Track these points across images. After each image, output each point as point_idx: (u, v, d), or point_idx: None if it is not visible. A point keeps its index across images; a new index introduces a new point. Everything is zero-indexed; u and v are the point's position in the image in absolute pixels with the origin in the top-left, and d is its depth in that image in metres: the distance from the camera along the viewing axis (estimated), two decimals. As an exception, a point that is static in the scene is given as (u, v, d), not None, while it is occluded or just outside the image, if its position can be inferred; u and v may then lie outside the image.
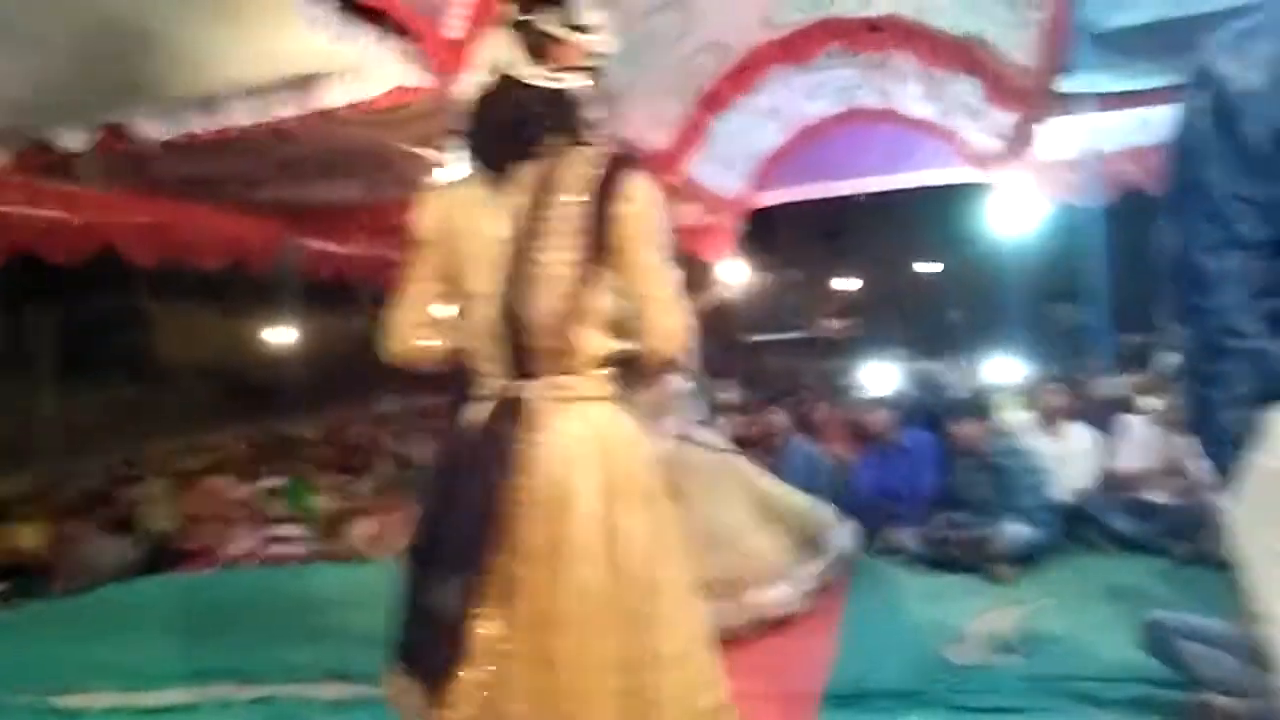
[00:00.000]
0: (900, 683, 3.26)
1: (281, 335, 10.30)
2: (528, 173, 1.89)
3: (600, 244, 1.84)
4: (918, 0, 7.27)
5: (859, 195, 11.70)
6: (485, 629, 1.79)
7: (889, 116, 9.95)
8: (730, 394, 7.23)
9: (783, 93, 9.12)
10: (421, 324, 2.00)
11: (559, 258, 1.84)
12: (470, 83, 1.92)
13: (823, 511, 4.49)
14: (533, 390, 1.87)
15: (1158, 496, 4.80)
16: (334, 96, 5.18)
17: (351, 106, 5.42)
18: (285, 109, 5.24)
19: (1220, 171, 1.41)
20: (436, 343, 2.00)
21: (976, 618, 3.87)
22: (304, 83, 5.18)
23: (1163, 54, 4.72)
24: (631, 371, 1.97)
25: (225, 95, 5.21)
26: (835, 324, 23.75)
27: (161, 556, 6.24)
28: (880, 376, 9.03)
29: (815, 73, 8.79)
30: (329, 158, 7.17)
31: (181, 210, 7.37)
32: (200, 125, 5.26)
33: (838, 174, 11.14)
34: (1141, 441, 5.10)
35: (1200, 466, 1.52)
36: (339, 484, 7.37)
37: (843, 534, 4.46)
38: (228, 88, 5.18)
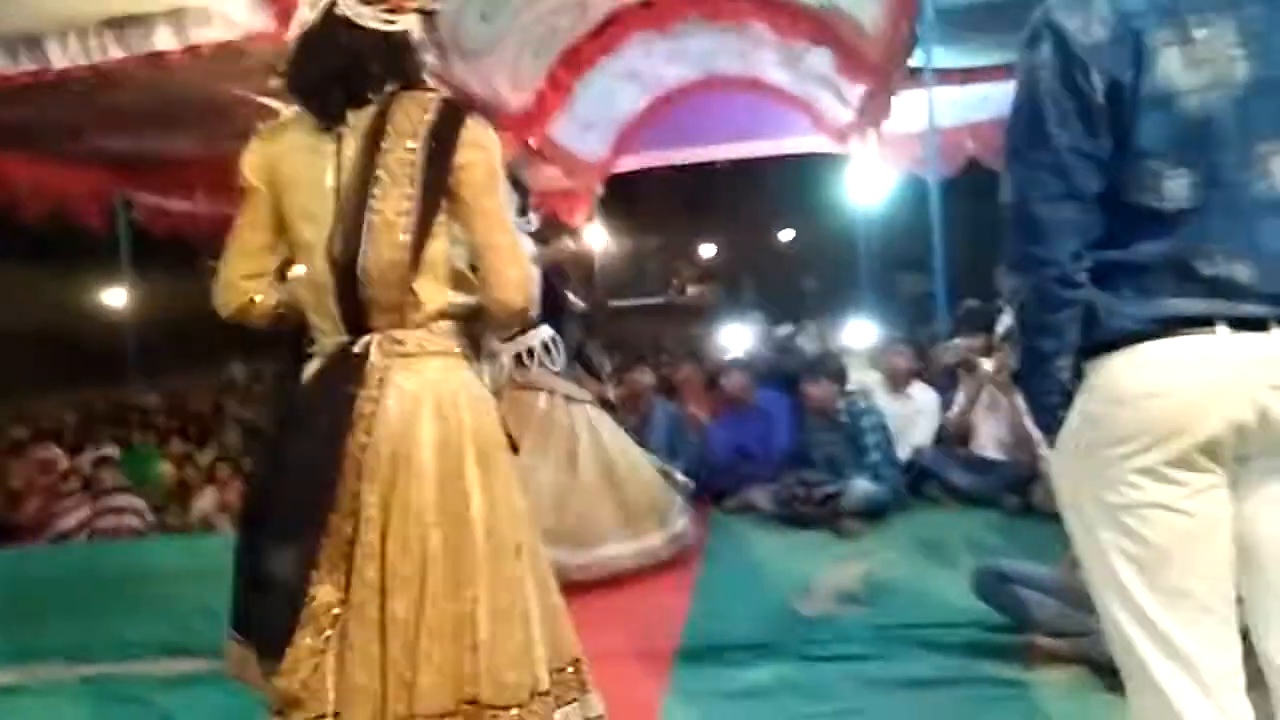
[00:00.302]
0: (752, 636, 3.33)
1: (115, 297, 9.68)
2: (358, 118, 1.81)
3: (437, 190, 1.78)
4: (776, -31, 7.35)
5: (719, 163, 11.84)
6: (321, 594, 1.73)
7: (748, 85, 10.10)
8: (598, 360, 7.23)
9: (643, 57, 9.12)
10: (252, 275, 1.91)
11: (393, 206, 1.76)
12: (297, 21, 1.84)
13: (666, 494, 4.41)
14: (369, 345, 1.80)
15: (992, 453, 5.08)
16: (164, 39, 4.84)
17: (185, 51, 5.10)
18: (109, 51, 4.86)
19: (1062, 124, 1.45)
20: (269, 296, 1.92)
21: (825, 571, 4.00)
22: (130, 23, 4.81)
23: (1003, 31, 4.91)
24: (480, 323, 1.93)
25: (41, 33, 4.79)
26: (694, 289, 24.14)
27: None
28: (737, 340, 9.20)
29: (675, 39, 8.81)
30: (160, 106, 6.73)
31: (-3, 159, 6.81)
32: (12, 66, 4.81)
33: (698, 141, 11.25)
34: (985, 402, 5.35)
35: (1029, 422, 1.60)
36: (181, 453, 7.03)
37: (683, 519, 4.41)
38: (43, 25, 4.77)
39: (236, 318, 1.93)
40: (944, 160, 8.28)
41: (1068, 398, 1.55)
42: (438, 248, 1.82)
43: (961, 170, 8.92)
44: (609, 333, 11.52)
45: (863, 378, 5.71)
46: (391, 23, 1.81)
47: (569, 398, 4.28)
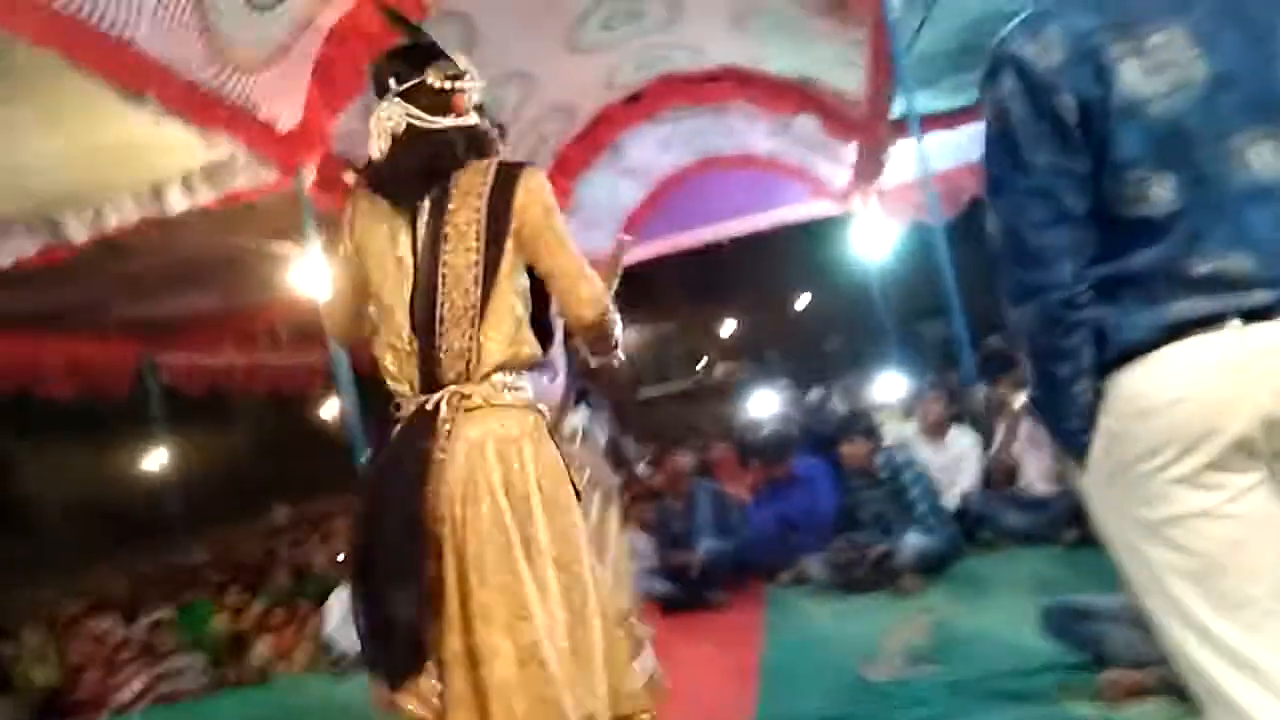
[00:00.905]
0: (825, 711, 3.24)
1: (154, 459, 9.83)
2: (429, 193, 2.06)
3: (501, 242, 1.99)
4: (749, 49, 7.56)
5: (726, 241, 11.97)
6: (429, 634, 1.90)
7: (743, 161, 10.30)
8: (628, 449, 7.22)
9: (637, 149, 9.34)
10: (346, 316, 2.25)
11: (462, 260, 1.98)
12: (375, 149, 2.08)
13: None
14: (439, 402, 1.97)
15: (1042, 488, 4.97)
16: (172, 201, 5.02)
17: (193, 211, 5.29)
18: (123, 219, 5.04)
19: (1041, 149, 1.45)
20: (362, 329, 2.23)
21: (889, 633, 3.89)
22: (138, 189, 5.00)
23: (974, 70, 5.00)
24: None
25: (58, 210, 4.97)
26: (721, 369, 24.19)
27: (49, 713, 5.82)
28: (768, 411, 9.17)
29: (665, 125, 9.04)
30: (176, 269, 6.94)
31: (24, 342, 7.01)
32: (30, 247, 4.99)
33: (702, 222, 11.40)
34: (1024, 437, 5.27)
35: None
36: (235, 605, 7.03)
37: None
38: (60, 202, 4.95)
39: (342, 342, 2.46)
40: (946, 204, 8.34)
41: (1091, 421, 1.52)
42: (503, 300, 2.00)
43: (965, 211, 8.96)
44: (642, 424, 11.52)
45: (899, 430, 5.64)
46: (467, 120, 2.09)
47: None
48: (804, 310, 22.45)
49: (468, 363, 1.97)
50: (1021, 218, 1.49)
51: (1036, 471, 5.05)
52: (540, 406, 2.10)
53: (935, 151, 6.93)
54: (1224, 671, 1.39)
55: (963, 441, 5.48)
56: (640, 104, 8.35)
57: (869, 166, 8.25)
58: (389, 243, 2.05)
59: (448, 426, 1.94)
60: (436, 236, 1.99)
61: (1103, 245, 1.48)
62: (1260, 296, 1.38)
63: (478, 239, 1.97)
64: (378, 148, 2.07)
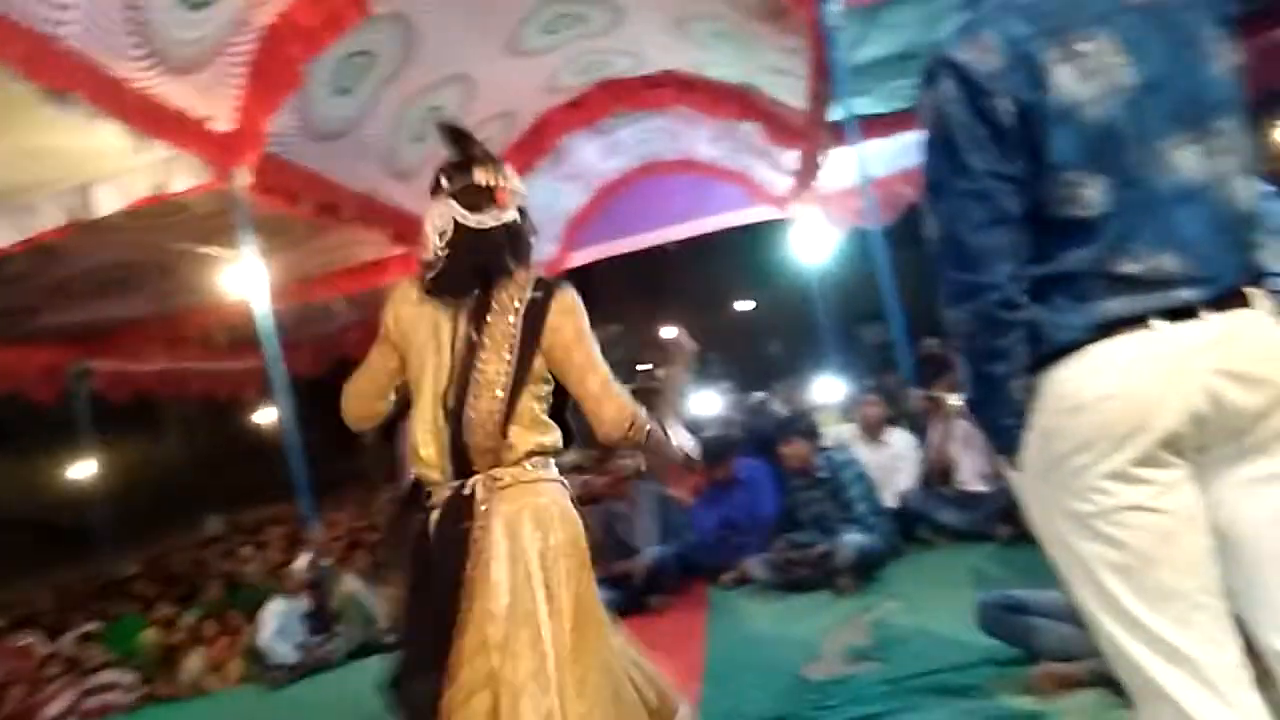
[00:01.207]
0: (766, 710, 3.26)
1: (82, 469, 9.53)
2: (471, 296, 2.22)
3: (530, 357, 2.15)
4: (690, 54, 7.59)
5: (668, 245, 12.00)
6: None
7: (684, 166, 10.34)
8: (572, 455, 7.19)
9: (579, 154, 9.33)
10: (369, 395, 2.37)
11: (494, 368, 2.14)
12: (430, 248, 2.20)
13: None
14: (474, 485, 2.13)
15: (977, 486, 5.07)
16: (102, 203, 4.88)
17: (123, 213, 5.15)
18: (50, 222, 4.87)
19: (977, 152, 1.48)
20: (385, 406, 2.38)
21: (829, 632, 3.93)
22: (67, 191, 4.85)
23: (911, 76, 5.08)
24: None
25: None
26: (661, 372, 24.16)
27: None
28: (709, 414, 9.20)
29: (607, 131, 9.04)
30: (106, 273, 6.75)
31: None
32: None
33: (644, 227, 11.42)
34: (960, 436, 5.36)
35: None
36: (166, 617, 6.85)
37: None
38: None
39: (353, 422, 2.40)
40: (884, 209, 8.45)
41: (1024, 419, 1.55)
42: (526, 402, 2.16)
43: (903, 216, 9.09)
44: (583, 428, 11.45)
45: (838, 432, 5.71)
46: (510, 216, 2.20)
47: None
48: (745, 314, 22.59)
49: (496, 456, 2.14)
50: (960, 220, 1.51)
51: (971, 470, 5.14)
52: (563, 479, 2.27)
53: (874, 158, 7.01)
54: (1155, 663, 1.42)
55: (900, 442, 5.56)
56: (581, 109, 8.33)
57: (807, 171, 8.33)
58: (431, 337, 2.22)
59: (484, 506, 2.12)
60: (472, 344, 2.16)
61: (1037, 247, 1.51)
62: (1187, 294, 1.43)
63: (510, 353, 2.14)
64: (433, 248, 2.21)
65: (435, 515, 2.18)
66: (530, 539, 2.10)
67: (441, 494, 2.18)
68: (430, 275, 2.21)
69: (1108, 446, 1.42)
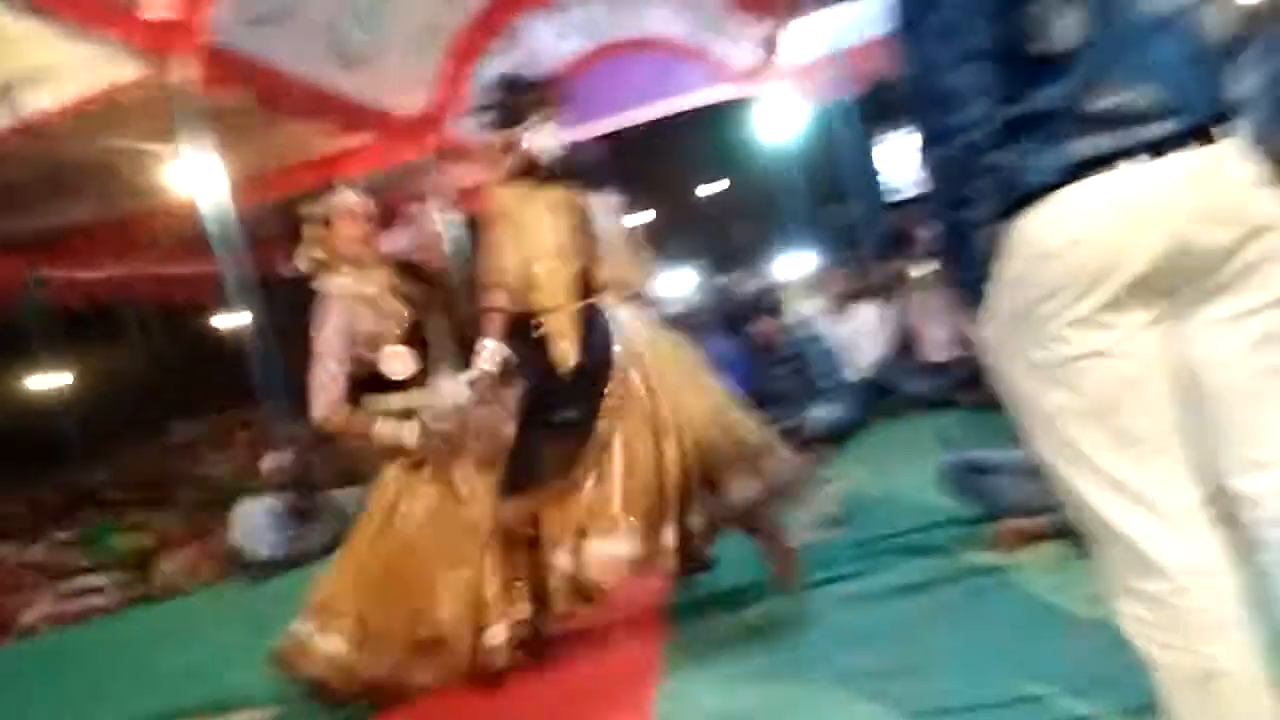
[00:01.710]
0: (739, 579, 3.32)
1: (41, 381, 9.40)
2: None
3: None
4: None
5: (630, 129, 11.77)
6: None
7: (643, 46, 10.03)
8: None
9: (533, 37, 9.03)
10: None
11: None
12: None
13: None
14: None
15: (941, 355, 5.11)
16: (33, 103, 4.65)
17: (61, 113, 4.93)
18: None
19: None
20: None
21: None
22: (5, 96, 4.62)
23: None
24: None
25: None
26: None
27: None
28: (678, 295, 9.19)
29: (562, 12, 8.74)
30: (47, 177, 6.50)
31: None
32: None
33: (604, 111, 11.15)
34: (922, 308, 5.38)
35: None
36: (141, 521, 6.87)
37: None
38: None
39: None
40: (849, 83, 8.29)
41: (991, 269, 1.50)
42: None
43: (870, 90, 8.92)
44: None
45: (806, 307, 5.71)
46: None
47: None
48: (711, 197, 22.37)
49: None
50: (931, 58, 1.46)
51: (934, 341, 5.18)
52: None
53: (840, 29, 6.83)
54: (1114, 505, 1.43)
55: (866, 315, 5.58)
56: (533, -13, 8.02)
57: (769, 44, 8.12)
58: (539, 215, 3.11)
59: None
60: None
61: (1008, 87, 1.45)
62: (1159, 129, 1.38)
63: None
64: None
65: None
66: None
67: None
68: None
69: (1075, 292, 1.40)
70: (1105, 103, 1.39)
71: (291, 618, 3.05)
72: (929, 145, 1.51)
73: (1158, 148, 1.38)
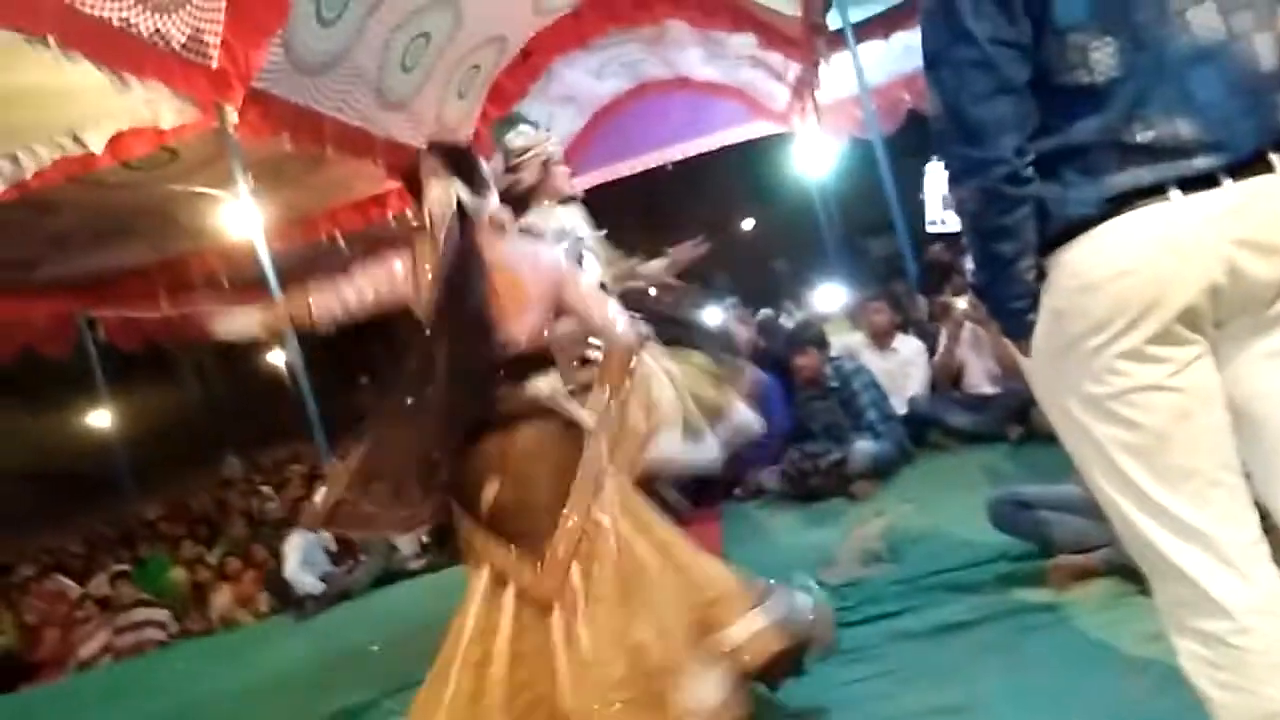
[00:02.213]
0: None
1: (100, 417, 9.63)
2: None
3: None
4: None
5: (668, 166, 11.87)
6: None
7: (680, 84, 10.15)
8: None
9: (572, 77, 9.17)
10: None
11: None
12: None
13: None
14: None
15: (986, 389, 5.07)
16: (90, 145, 4.81)
17: (118, 162, 5.10)
18: (44, 167, 4.83)
19: (979, 17, 1.41)
20: None
21: (844, 538, 3.97)
22: (57, 137, 4.80)
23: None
24: None
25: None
26: (670, 295, 24.12)
27: (10, 675, 5.76)
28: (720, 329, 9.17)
29: (600, 52, 8.86)
30: (105, 222, 6.72)
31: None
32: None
33: (643, 149, 11.29)
34: (968, 340, 5.34)
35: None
36: (192, 557, 6.99)
37: None
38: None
39: None
40: (884, 117, 8.33)
41: (1035, 300, 1.50)
42: None
43: (903, 124, 8.95)
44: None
45: (847, 341, 5.70)
46: None
47: None
48: (751, 231, 22.40)
49: None
50: (962, 91, 1.44)
51: (980, 373, 5.14)
52: None
53: (871, 65, 6.87)
54: (1172, 542, 1.41)
55: (909, 348, 5.55)
56: (571, 30, 8.14)
57: (806, 82, 8.18)
58: None
59: None
60: None
61: (1044, 118, 1.45)
62: (1203, 162, 1.37)
63: None
64: None
65: None
66: None
67: None
68: None
69: (1123, 325, 1.38)
70: (1146, 135, 1.38)
71: (338, 651, 3.08)
72: (959, 178, 1.50)
73: (1201, 181, 1.37)
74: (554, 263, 2.66)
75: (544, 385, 2.48)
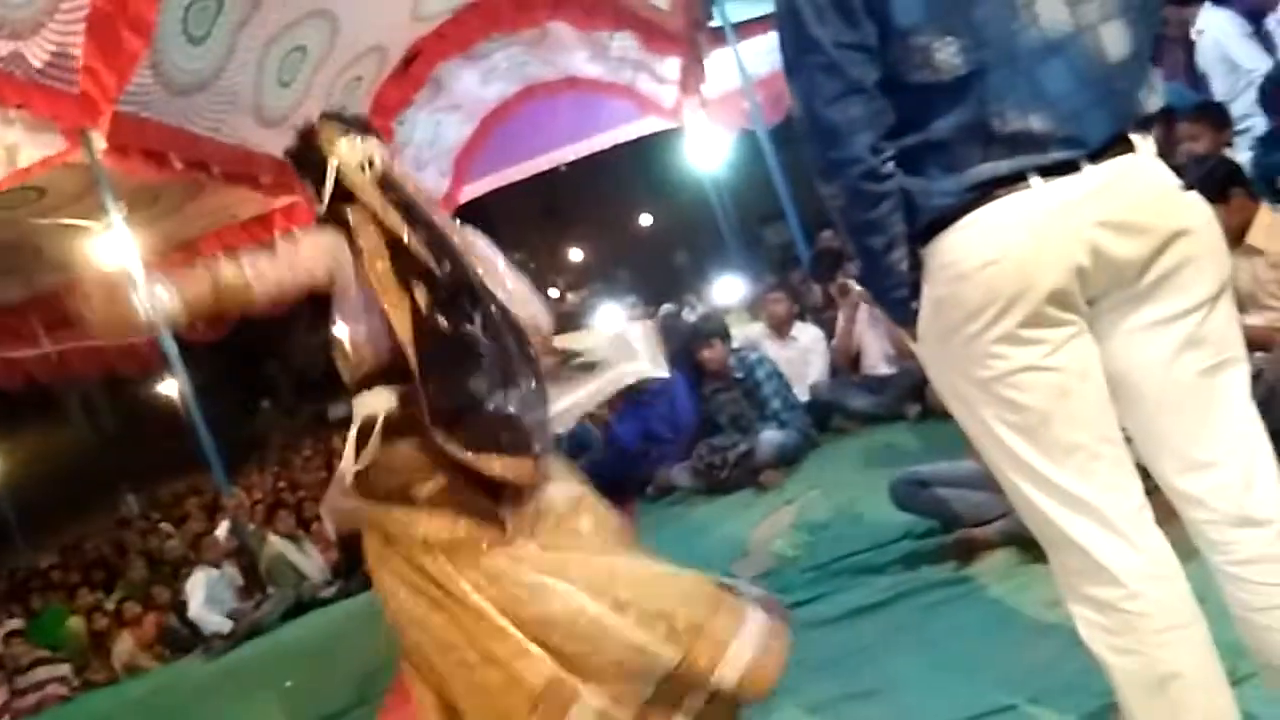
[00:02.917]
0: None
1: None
2: None
3: None
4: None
5: (561, 167, 11.82)
6: None
7: (567, 85, 10.10)
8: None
9: (457, 84, 9.04)
10: None
11: None
12: None
13: None
14: None
15: (884, 369, 5.19)
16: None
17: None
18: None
19: (821, 23, 1.43)
20: None
21: (755, 529, 4.02)
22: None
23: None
24: None
25: None
26: (572, 296, 24.13)
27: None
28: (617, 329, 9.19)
29: (483, 59, 8.76)
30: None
31: None
32: None
33: (534, 152, 11.20)
34: (865, 321, 5.45)
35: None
36: (90, 604, 6.69)
37: None
38: None
39: None
40: (770, 108, 8.44)
41: (915, 288, 1.54)
42: None
43: (789, 115, 9.08)
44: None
45: (747, 331, 5.76)
46: None
47: None
48: (648, 228, 22.53)
49: None
50: (815, 95, 1.47)
51: (878, 354, 5.26)
52: None
53: (754, 58, 6.95)
54: (1062, 513, 1.46)
55: (808, 335, 5.65)
56: (452, 36, 8.03)
57: (691, 78, 8.24)
58: None
59: None
60: None
61: (906, 114, 1.48)
62: (1057, 155, 1.41)
63: None
64: None
65: None
66: None
67: None
68: None
69: (995, 313, 1.42)
70: (1001, 129, 1.42)
71: (252, 690, 2.98)
72: (823, 177, 1.53)
73: (1061, 167, 1.41)
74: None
75: None
